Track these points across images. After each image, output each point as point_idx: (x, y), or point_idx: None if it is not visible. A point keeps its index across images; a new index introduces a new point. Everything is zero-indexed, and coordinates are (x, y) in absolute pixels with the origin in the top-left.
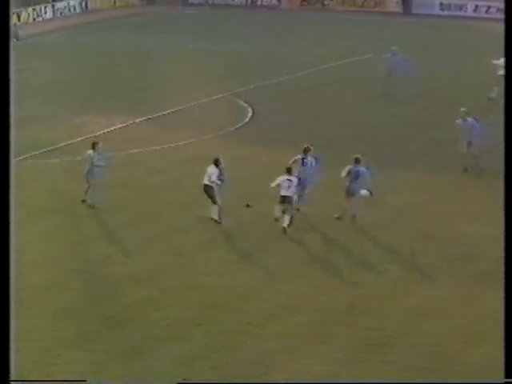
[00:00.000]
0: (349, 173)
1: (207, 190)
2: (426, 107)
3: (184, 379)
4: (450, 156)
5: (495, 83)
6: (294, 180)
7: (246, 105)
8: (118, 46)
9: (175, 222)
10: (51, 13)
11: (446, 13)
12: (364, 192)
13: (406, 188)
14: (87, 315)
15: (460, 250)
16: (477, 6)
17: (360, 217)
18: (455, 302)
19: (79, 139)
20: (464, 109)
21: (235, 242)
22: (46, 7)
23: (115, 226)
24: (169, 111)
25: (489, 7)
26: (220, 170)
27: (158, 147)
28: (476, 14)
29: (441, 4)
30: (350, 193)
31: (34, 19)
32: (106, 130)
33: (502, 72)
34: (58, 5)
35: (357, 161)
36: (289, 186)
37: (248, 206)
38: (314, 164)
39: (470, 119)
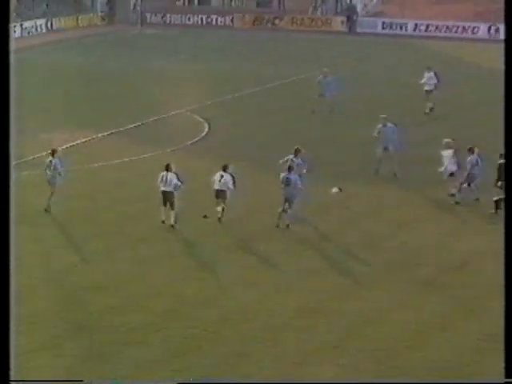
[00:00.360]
0: (287, 181)
1: (167, 195)
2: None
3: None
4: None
5: (425, 99)
6: (227, 175)
7: (202, 120)
8: (81, 64)
9: (137, 232)
10: (19, 32)
11: (387, 31)
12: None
13: (350, 200)
14: (54, 322)
15: (401, 257)
16: (416, 25)
17: (307, 228)
18: (397, 308)
19: (45, 153)
20: (384, 115)
21: (193, 252)
22: (14, 26)
23: (80, 236)
24: (130, 126)
25: (427, 26)
26: (175, 174)
27: (120, 160)
28: (416, 33)
29: (383, 23)
30: (288, 199)
31: None
32: (70, 144)
33: (426, 87)
34: (26, 24)
35: (296, 152)
36: (220, 181)
37: (205, 216)
38: (298, 181)
39: (389, 124)
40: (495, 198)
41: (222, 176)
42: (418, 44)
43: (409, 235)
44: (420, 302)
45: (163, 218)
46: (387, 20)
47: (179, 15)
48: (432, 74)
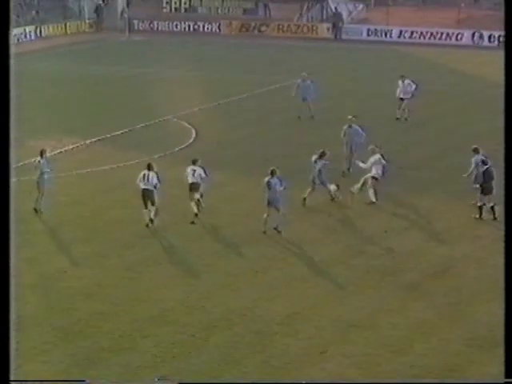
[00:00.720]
0: (268, 185)
1: (148, 194)
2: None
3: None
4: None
5: (398, 106)
6: (198, 169)
7: (189, 126)
8: (69, 71)
9: (124, 238)
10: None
11: (373, 38)
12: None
13: (334, 206)
14: (43, 328)
15: (386, 263)
16: (401, 32)
17: (294, 233)
18: (383, 313)
19: (33, 160)
20: (350, 116)
21: (180, 257)
22: None
23: (68, 241)
24: (118, 132)
25: (412, 32)
26: (156, 173)
27: (108, 167)
28: (400, 39)
29: (368, 30)
30: (271, 203)
31: None
32: (58, 151)
33: (401, 95)
34: (16, 31)
35: (272, 173)
36: (193, 175)
37: (193, 223)
38: (279, 185)
39: (354, 126)
40: (479, 204)
41: (194, 170)
42: (402, 50)
43: (393, 241)
44: (405, 307)
45: (147, 221)
46: (372, 27)
47: (166, 22)
48: (407, 82)
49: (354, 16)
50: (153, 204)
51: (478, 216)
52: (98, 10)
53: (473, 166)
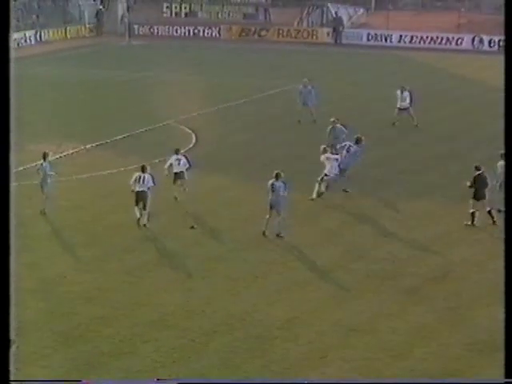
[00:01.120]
0: (272, 187)
1: (142, 195)
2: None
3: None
4: (374, 177)
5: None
6: (182, 158)
7: (190, 131)
8: (69, 75)
9: (124, 242)
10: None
11: (373, 43)
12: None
13: (334, 210)
14: (43, 332)
15: (386, 267)
16: (401, 36)
17: (293, 237)
18: (383, 317)
19: (34, 164)
20: (333, 119)
21: (180, 262)
22: None
23: (68, 246)
24: (118, 137)
25: (412, 37)
26: (150, 175)
27: (108, 171)
28: (400, 44)
29: (368, 34)
30: (273, 206)
31: None
32: (59, 155)
33: (399, 105)
34: (16, 35)
35: (277, 176)
36: (179, 164)
37: (192, 227)
38: (283, 189)
39: (338, 125)
40: (471, 210)
41: (178, 160)
42: (402, 55)
43: (393, 245)
44: (405, 311)
45: (138, 216)
46: (372, 31)
47: (166, 27)
48: (406, 93)
49: (354, 20)
50: (145, 207)
51: (469, 223)
52: (98, 14)
53: (499, 170)
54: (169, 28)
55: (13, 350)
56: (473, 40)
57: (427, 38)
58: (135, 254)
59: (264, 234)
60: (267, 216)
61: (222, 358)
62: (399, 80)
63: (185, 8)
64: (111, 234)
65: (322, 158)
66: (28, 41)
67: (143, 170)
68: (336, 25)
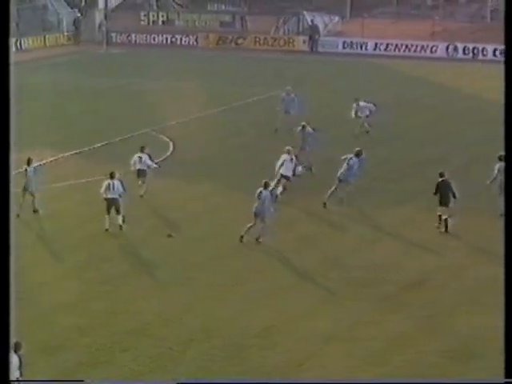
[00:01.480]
0: (259, 195)
1: (114, 202)
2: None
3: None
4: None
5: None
6: (144, 155)
7: (167, 140)
8: (48, 84)
9: (102, 251)
10: None
11: (348, 50)
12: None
13: (310, 218)
14: (21, 341)
15: (364, 275)
16: (376, 44)
17: (272, 245)
18: (360, 325)
19: (14, 172)
20: (304, 123)
21: (159, 270)
22: None
23: (47, 255)
24: (97, 145)
25: (387, 45)
26: (120, 181)
27: (86, 180)
28: (376, 52)
29: (344, 42)
30: (258, 214)
31: None
32: (37, 164)
33: (359, 113)
34: None
35: (266, 185)
36: (141, 161)
37: (170, 235)
38: (269, 199)
39: (308, 129)
40: (445, 217)
41: (140, 157)
42: (378, 63)
43: (371, 253)
44: (383, 319)
45: (107, 226)
46: (348, 39)
47: (144, 35)
48: (363, 104)
49: (329, 28)
50: (118, 212)
51: (437, 225)
52: (76, 22)
53: (496, 172)
54: (146, 36)
55: (21, 352)
56: (447, 48)
57: (402, 45)
58: (113, 262)
59: (241, 238)
60: (251, 223)
61: (199, 366)
62: (376, 88)
63: (162, 16)
64: (89, 243)
65: (281, 159)
66: None
67: (112, 176)
68: (312, 33)
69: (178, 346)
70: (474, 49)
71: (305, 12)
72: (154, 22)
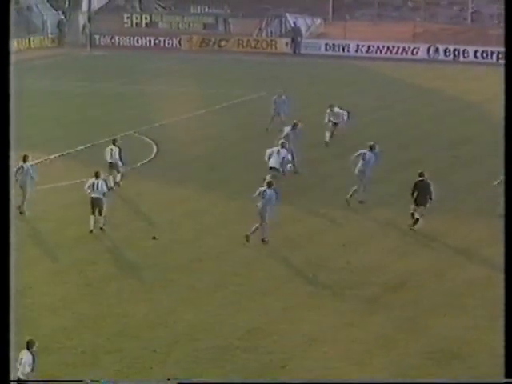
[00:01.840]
0: (263, 194)
1: (98, 202)
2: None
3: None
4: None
5: (328, 129)
6: (115, 148)
7: (151, 142)
8: (32, 86)
9: (86, 254)
10: None
11: (331, 52)
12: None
13: (294, 221)
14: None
15: (346, 277)
16: (358, 46)
17: (253, 247)
18: (343, 327)
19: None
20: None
21: (142, 273)
22: None
23: (30, 258)
24: (80, 148)
25: (369, 47)
26: (104, 181)
27: (70, 182)
28: (358, 54)
29: (326, 44)
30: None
31: None
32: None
33: (332, 119)
34: None
35: (269, 184)
36: (111, 154)
37: (154, 238)
38: (273, 198)
39: (286, 128)
40: (417, 216)
41: (111, 150)
42: (360, 65)
43: (352, 255)
44: (364, 321)
45: (91, 227)
46: (330, 41)
47: (127, 37)
48: (337, 110)
49: (312, 31)
50: (100, 213)
51: (412, 225)
52: (60, 24)
53: None
54: (130, 38)
55: (34, 349)
56: (428, 49)
57: (384, 47)
58: (98, 265)
59: (247, 238)
60: (257, 224)
61: (184, 368)
62: (357, 90)
63: (145, 18)
64: (73, 246)
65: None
66: None
67: (97, 175)
68: (294, 35)
69: (163, 349)
70: (455, 50)
71: (287, 14)
72: (137, 24)
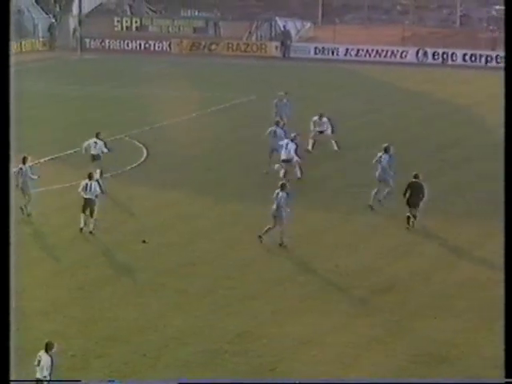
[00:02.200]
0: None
1: (90, 203)
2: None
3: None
4: (336, 190)
5: (311, 136)
6: (100, 142)
7: (141, 145)
8: (23, 89)
9: (77, 257)
10: None
11: (320, 56)
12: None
13: (296, 220)
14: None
15: (336, 280)
16: (347, 50)
17: (245, 251)
18: (332, 330)
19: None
20: (284, 121)
21: (133, 277)
22: None
23: (22, 261)
24: (71, 151)
25: (358, 50)
26: (98, 182)
27: (61, 186)
28: (347, 57)
29: (315, 48)
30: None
31: None
32: (13, 170)
33: (317, 129)
34: None
35: (282, 187)
36: (95, 147)
37: (144, 241)
38: (285, 198)
39: (278, 130)
40: (407, 214)
41: (95, 143)
42: (349, 68)
43: (341, 258)
44: (353, 323)
45: (82, 225)
46: (320, 45)
47: (118, 41)
48: (325, 119)
49: (301, 34)
50: (92, 215)
51: (407, 226)
52: (50, 28)
53: None
54: (120, 42)
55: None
56: (417, 53)
57: (372, 51)
58: (89, 268)
59: (260, 239)
60: (270, 225)
61: (174, 372)
62: (347, 94)
63: (136, 22)
64: (64, 249)
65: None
66: None
67: (90, 177)
68: (284, 38)
69: (152, 353)
70: (443, 54)
71: (277, 18)
72: (127, 27)
